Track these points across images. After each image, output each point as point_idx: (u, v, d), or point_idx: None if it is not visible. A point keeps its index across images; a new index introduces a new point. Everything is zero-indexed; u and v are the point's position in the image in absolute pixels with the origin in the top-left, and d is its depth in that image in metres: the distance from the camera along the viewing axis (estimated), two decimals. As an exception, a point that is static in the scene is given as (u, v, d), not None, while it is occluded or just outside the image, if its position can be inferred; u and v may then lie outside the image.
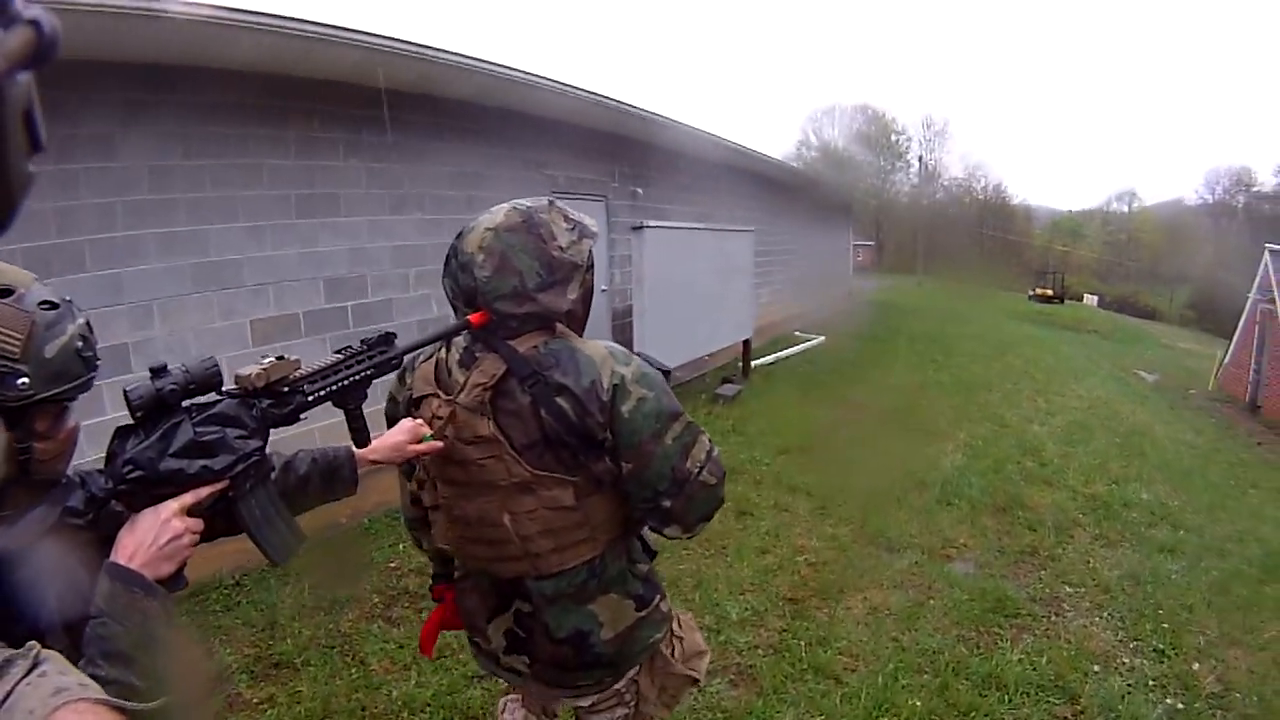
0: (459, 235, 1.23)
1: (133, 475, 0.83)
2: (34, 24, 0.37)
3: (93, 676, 0.68)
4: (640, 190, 8.13)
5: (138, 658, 0.75)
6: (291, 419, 0.98)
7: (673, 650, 1.42)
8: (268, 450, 0.95)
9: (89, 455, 0.99)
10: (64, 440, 0.88)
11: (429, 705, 2.51)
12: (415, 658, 2.76)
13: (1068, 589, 3.42)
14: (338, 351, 1.07)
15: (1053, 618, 3.16)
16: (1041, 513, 4.34)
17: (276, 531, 0.98)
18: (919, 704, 2.48)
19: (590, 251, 1.26)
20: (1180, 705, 2.59)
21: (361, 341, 1.10)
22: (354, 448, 1.20)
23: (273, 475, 1.01)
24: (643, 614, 1.33)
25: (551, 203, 1.26)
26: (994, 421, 6.66)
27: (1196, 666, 2.82)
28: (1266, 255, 11.82)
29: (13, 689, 0.58)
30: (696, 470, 1.20)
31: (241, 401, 0.92)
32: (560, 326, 1.25)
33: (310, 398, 1.00)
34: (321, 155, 4.56)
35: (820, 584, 3.35)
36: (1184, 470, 6.01)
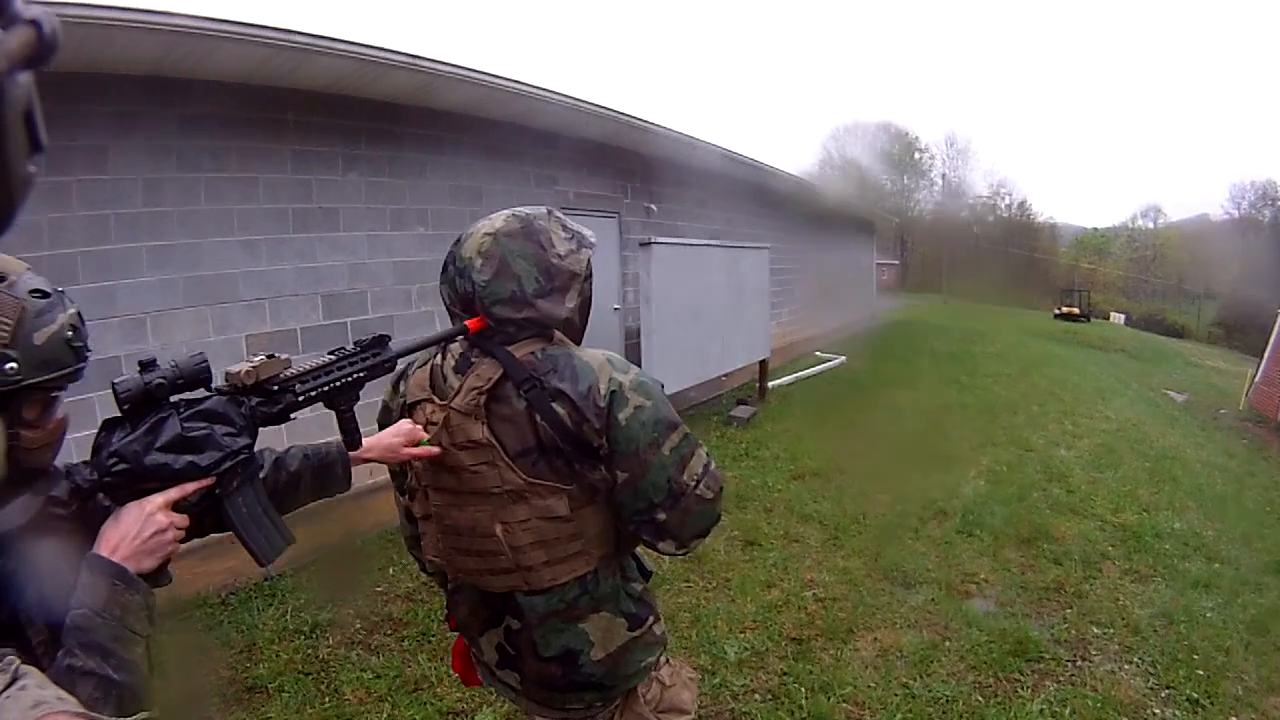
0: (457, 241, 1.23)
1: (118, 468, 0.83)
2: (34, 24, 0.38)
3: (69, 667, 0.71)
4: (654, 207, 8.00)
5: (116, 650, 0.75)
6: (281, 418, 0.97)
7: (648, 691, 1.33)
8: (257, 448, 0.95)
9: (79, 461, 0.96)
10: (52, 430, 0.86)
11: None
12: (391, 689, 2.67)
13: (1095, 630, 3.18)
14: (331, 352, 1.07)
15: (1078, 662, 2.92)
16: (1068, 544, 4.10)
17: (263, 531, 0.97)
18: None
19: (589, 261, 1.25)
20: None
21: (355, 343, 1.09)
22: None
23: (263, 473, 1.02)
24: (635, 634, 1.28)
25: (550, 211, 1.26)
26: (1018, 445, 6.41)
27: (1234, 719, 2.58)
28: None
29: None
30: (693, 483, 1.18)
31: (231, 399, 0.92)
32: (558, 335, 1.23)
33: (301, 397, 1.00)
34: (319, 169, 4.51)
35: (828, 622, 3.15)
36: (1217, 496, 5.70)
